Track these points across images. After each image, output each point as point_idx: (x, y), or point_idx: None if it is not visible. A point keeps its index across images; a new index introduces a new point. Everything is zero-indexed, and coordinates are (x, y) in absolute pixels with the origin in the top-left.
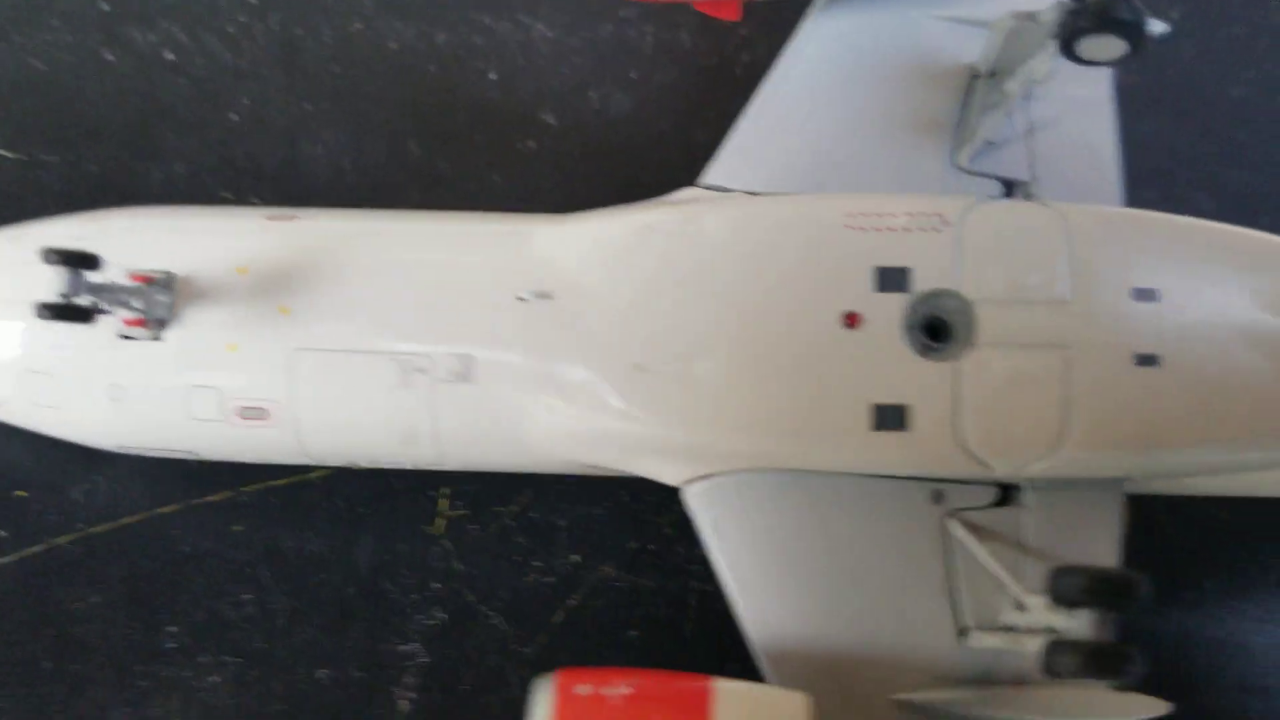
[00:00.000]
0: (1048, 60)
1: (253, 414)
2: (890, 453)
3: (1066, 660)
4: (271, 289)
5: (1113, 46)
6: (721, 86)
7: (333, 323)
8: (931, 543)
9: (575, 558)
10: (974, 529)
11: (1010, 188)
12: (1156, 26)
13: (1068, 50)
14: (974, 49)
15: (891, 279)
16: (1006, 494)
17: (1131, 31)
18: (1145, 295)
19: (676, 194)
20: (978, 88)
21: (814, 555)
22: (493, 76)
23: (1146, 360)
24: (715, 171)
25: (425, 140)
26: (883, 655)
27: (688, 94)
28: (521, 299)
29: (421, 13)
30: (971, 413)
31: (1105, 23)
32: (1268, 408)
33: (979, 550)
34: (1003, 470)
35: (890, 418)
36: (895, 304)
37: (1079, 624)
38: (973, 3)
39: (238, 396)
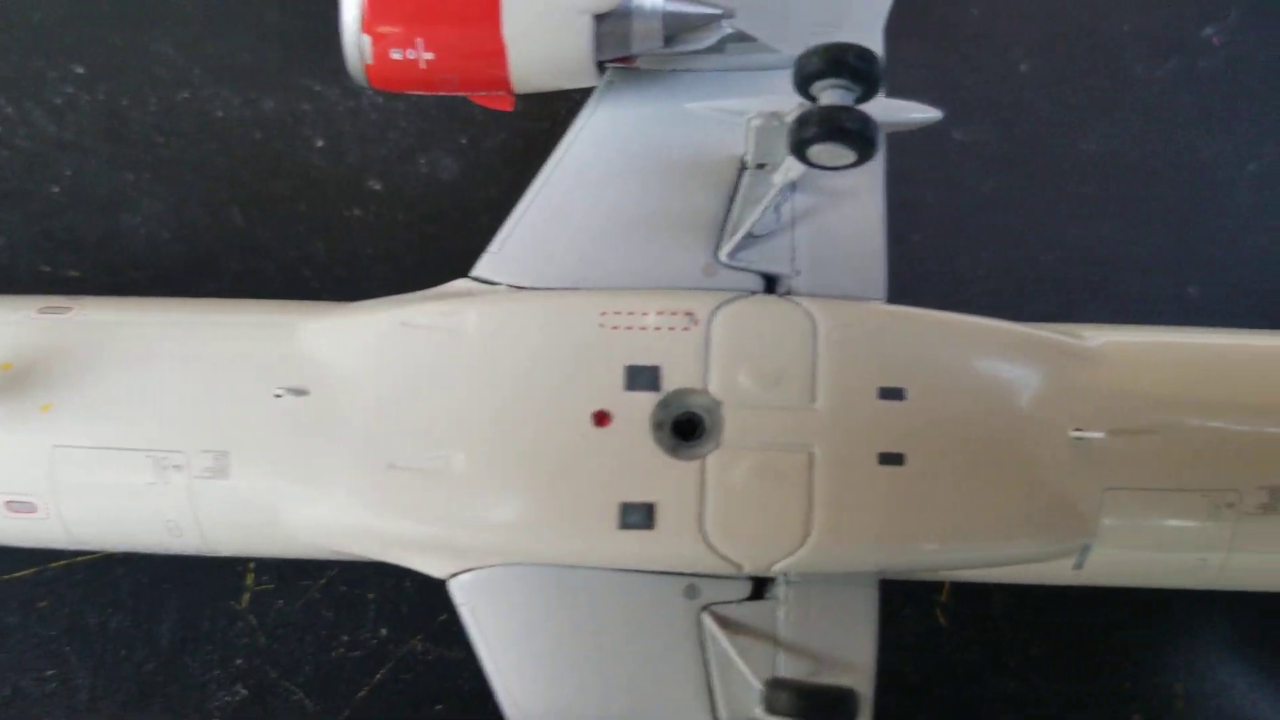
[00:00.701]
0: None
1: (21, 508)
2: (638, 550)
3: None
4: (34, 385)
5: (842, 155)
6: (551, 150)
7: (91, 420)
8: (686, 637)
9: (383, 631)
10: (726, 623)
11: (772, 282)
12: (926, 114)
13: (799, 155)
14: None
15: (641, 378)
16: (761, 588)
17: (858, 141)
18: (891, 394)
19: (449, 285)
20: (744, 179)
21: (570, 648)
22: (319, 144)
23: (890, 459)
24: (486, 263)
25: (247, 209)
26: None
27: (517, 158)
28: (278, 395)
29: (250, 80)
30: (716, 511)
31: (831, 132)
32: (1011, 505)
33: (727, 645)
34: (751, 566)
35: (637, 516)
36: (644, 403)
37: None
38: (743, 95)
39: (4, 491)
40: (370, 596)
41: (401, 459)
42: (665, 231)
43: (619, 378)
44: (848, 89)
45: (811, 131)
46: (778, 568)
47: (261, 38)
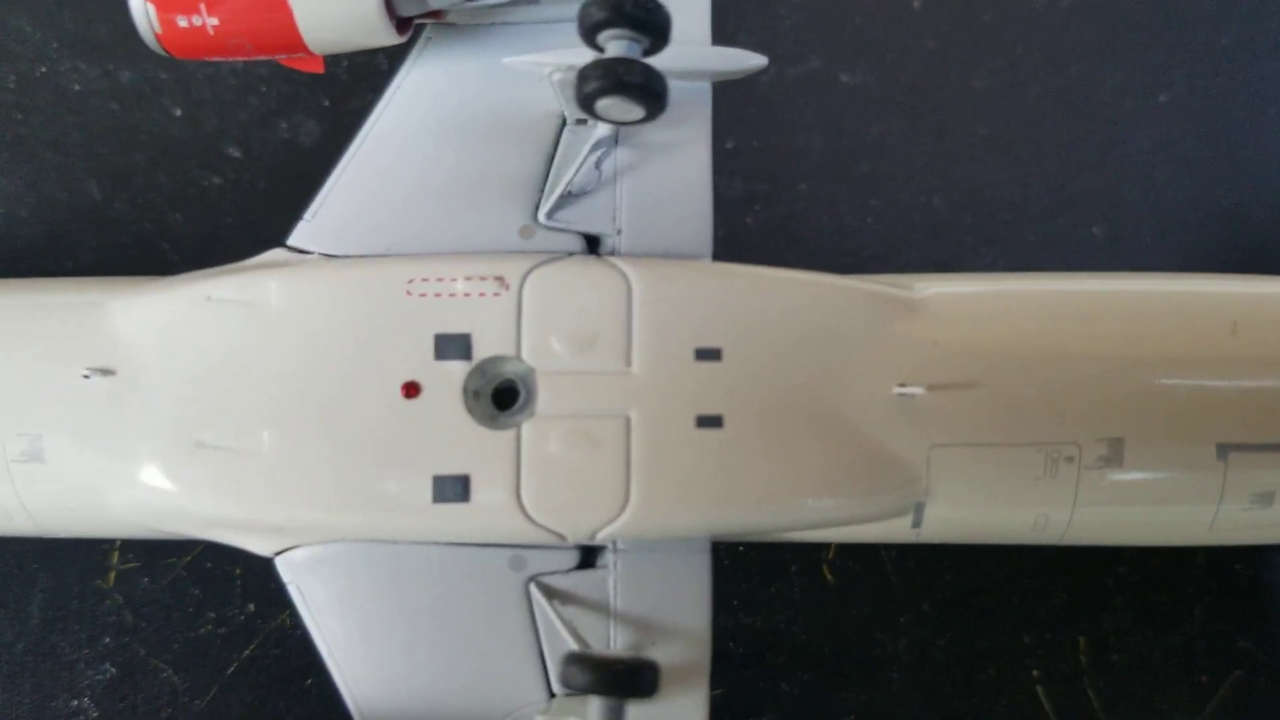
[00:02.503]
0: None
1: None
2: (455, 523)
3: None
4: None
5: (629, 110)
6: None
7: None
8: (515, 608)
9: (251, 607)
10: (553, 593)
11: (595, 243)
12: (752, 60)
13: (587, 110)
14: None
15: (451, 346)
16: (591, 556)
17: (641, 95)
18: (708, 355)
19: (264, 255)
20: (564, 136)
21: (399, 623)
22: (178, 113)
23: (708, 421)
24: (300, 232)
25: (105, 183)
26: (476, 718)
27: None
28: (86, 376)
29: (108, 52)
30: (532, 481)
31: (613, 86)
32: (833, 464)
33: (552, 615)
34: (573, 536)
35: (451, 489)
36: (456, 372)
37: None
38: (563, 48)
39: None
40: (237, 573)
41: (209, 437)
42: (482, 193)
43: (428, 347)
44: (634, 39)
45: (593, 86)
46: (601, 536)
47: (118, 9)
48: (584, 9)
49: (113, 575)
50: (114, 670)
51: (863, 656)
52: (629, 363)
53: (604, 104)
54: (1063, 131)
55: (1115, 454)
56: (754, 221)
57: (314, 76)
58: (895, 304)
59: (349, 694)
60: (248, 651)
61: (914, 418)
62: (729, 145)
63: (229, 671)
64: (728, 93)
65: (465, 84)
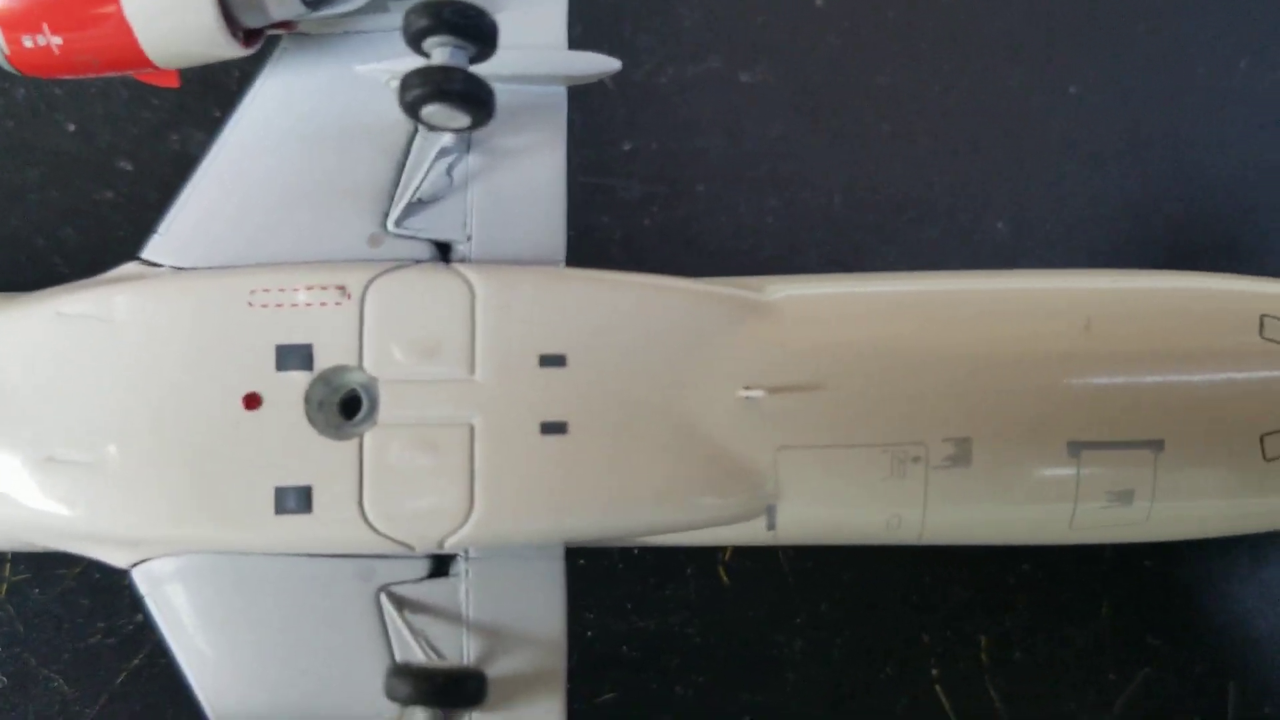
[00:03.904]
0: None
1: None
2: (298, 535)
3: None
4: None
5: (454, 117)
6: None
7: None
8: (365, 619)
9: (139, 617)
10: (403, 603)
11: (447, 249)
12: (604, 65)
13: (413, 116)
14: None
15: (292, 357)
16: (443, 565)
17: (462, 102)
18: (553, 361)
19: (117, 270)
20: (415, 143)
21: (253, 634)
22: (71, 128)
23: (553, 428)
24: (153, 245)
25: None
26: None
27: None
28: None
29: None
30: (375, 491)
31: (434, 94)
32: (679, 469)
33: (402, 625)
34: (420, 545)
35: (293, 500)
36: (297, 382)
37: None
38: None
39: None
40: (126, 584)
41: (60, 452)
42: (331, 202)
43: (269, 358)
44: (458, 46)
45: (414, 94)
46: (448, 544)
47: None
48: (406, 16)
49: (4, 587)
50: (5, 680)
51: (759, 657)
52: (473, 370)
53: (428, 111)
54: (968, 127)
55: (963, 453)
56: (652, 223)
57: (202, 88)
58: (744, 307)
59: (207, 705)
60: (136, 660)
61: (760, 421)
62: (626, 147)
63: (118, 681)
64: (625, 94)
65: (318, 93)
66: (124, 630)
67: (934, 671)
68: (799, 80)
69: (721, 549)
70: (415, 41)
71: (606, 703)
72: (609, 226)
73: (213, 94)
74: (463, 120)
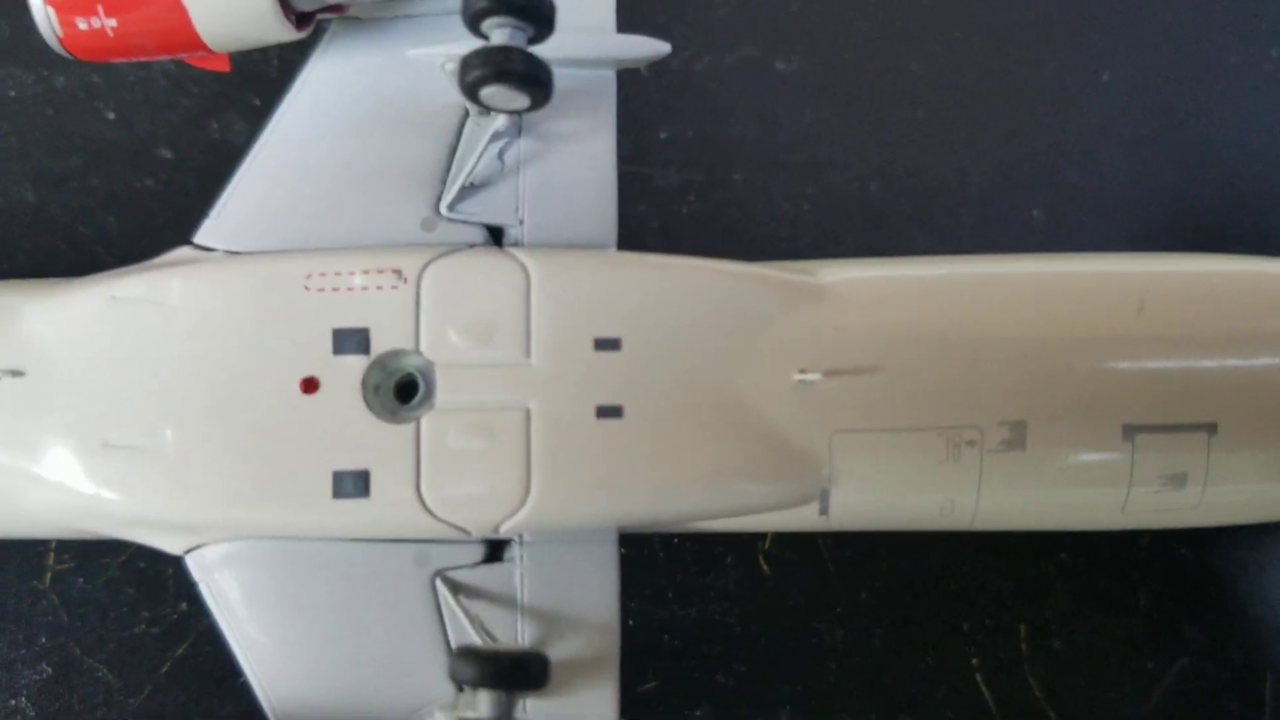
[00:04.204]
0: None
1: None
2: (356, 519)
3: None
4: None
5: (513, 98)
6: None
7: None
8: (421, 604)
9: (184, 606)
10: (458, 588)
11: (499, 234)
12: (654, 48)
13: (472, 98)
14: None
15: (349, 341)
16: (497, 550)
17: (523, 83)
18: (608, 345)
19: (169, 254)
20: (466, 128)
21: (308, 619)
22: (110, 115)
23: (609, 412)
24: (206, 229)
25: (39, 187)
26: (388, 714)
27: None
28: None
29: (42, 58)
30: (432, 475)
31: (495, 74)
32: (734, 453)
33: (458, 609)
34: (476, 530)
35: (351, 484)
36: (354, 366)
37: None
38: (467, 38)
39: None
40: (170, 572)
41: (115, 436)
42: (384, 186)
43: (326, 342)
44: (517, 27)
45: (474, 75)
46: (504, 529)
47: None
48: None
49: (49, 576)
50: (50, 670)
51: (799, 647)
52: (528, 354)
53: (487, 93)
54: (1002, 114)
55: (1018, 437)
56: (689, 211)
57: (241, 76)
58: (798, 290)
59: (262, 692)
60: (181, 649)
61: (815, 404)
62: (662, 135)
63: (163, 670)
64: (662, 82)
65: (368, 77)
66: (168, 619)
67: (974, 660)
68: (834, 68)
69: (761, 537)
70: (474, 22)
71: (648, 691)
72: (646, 215)
73: (251, 82)
74: (522, 101)
